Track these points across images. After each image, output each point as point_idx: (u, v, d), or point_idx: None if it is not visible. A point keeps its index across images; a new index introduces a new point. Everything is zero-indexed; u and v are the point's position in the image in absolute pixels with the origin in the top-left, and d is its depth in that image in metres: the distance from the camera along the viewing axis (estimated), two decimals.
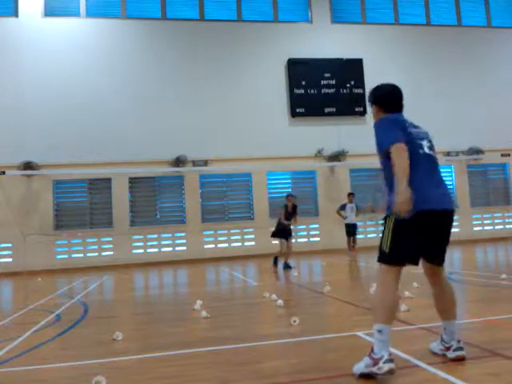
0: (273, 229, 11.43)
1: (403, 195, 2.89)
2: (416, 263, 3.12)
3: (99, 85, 16.29)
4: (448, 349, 3.16)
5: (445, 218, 3.10)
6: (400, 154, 2.95)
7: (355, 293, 6.81)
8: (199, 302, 5.92)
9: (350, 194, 14.49)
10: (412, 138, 3.11)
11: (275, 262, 11.04)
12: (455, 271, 8.58)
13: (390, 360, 2.81)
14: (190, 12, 17.55)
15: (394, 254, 3.03)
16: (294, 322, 4.59)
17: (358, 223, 14.69)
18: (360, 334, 4.06)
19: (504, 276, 6.96)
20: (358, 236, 15.13)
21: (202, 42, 17.24)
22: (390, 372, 2.80)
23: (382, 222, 3.16)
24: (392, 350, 3.45)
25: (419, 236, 3.04)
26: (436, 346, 3.31)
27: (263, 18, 18.01)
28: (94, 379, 3.02)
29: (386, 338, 2.90)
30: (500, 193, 18.85)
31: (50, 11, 16.48)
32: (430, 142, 3.23)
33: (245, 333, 4.50)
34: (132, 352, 3.96)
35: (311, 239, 16.82)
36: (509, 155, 12.29)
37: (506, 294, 5.78)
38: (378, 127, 3.16)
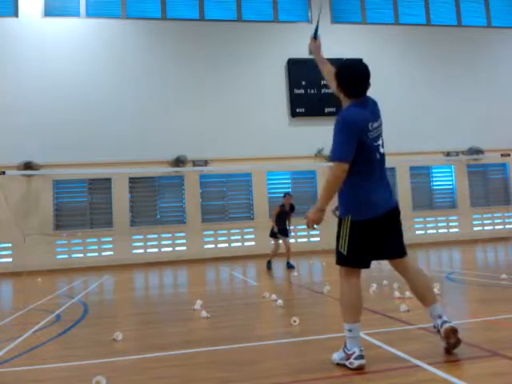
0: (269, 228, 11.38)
1: (316, 214, 3.06)
2: (367, 266, 3.20)
3: (99, 85, 16.28)
4: (439, 331, 3.17)
5: (392, 215, 3.21)
6: (334, 176, 2.99)
7: None
8: (199, 302, 5.92)
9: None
10: (369, 142, 3.08)
11: (269, 265, 11.01)
12: (455, 271, 8.58)
13: (361, 356, 3.03)
14: (190, 12, 17.54)
15: (353, 257, 3.13)
16: (294, 322, 4.59)
17: None
18: (360, 334, 4.05)
19: (504, 276, 6.96)
20: None
21: (201, 42, 17.24)
22: (360, 367, 3.02)
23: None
24: (392, 350, 3.47)
25: (373, 239, 3.14)
26: (436, 329, 3.28)
27: (263, 18, 18.00)
28: (94, 379, 3.02)
29: (356, 334, 3.10)
30: (500, 193, 18.84)
31: (50, 11, 16.47)
32: (381, 136, 3.19)
33: (245, 333, 4.50)
34: (132, 352, 3.96)
35: (311, 239, 16.82)
36: (509, 155, 12.26)
37: (506, 293, 5.78)
38: (334, 131, 3.06)
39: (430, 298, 3.22)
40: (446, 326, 3.13)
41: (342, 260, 3.18)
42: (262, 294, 6.68)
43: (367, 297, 6.04)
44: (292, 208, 10.89)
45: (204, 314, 5.31)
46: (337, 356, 3.19)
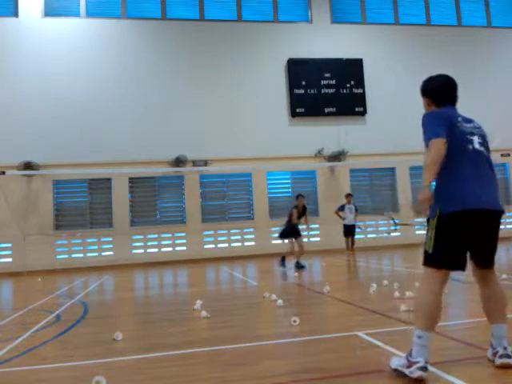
0: (276, 229, 11.44)
1: (423, 194, 2.86)
2: (462, 268, 2.98)
3: (99, 84, 16.28)
4: (495, 354, 2.96)
5: (488, 218, 2.96)
6: (434, 149, 2.86)
7: (355, 293, 6.81)
8: (199, 302, 5.91)
9: (349, 195, 14.70)
10: (461, 133, 3.02)
11: (283, 263, 10.93)
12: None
13: (424, 368, 2.80)
14: (190, 12, 17.54)
15: (439, 256, 2.93)
16: (294, 322, 4.59)
17: (358, 223, 14.80)
18: (360, 333, 4.06)
19: (504, 276, 6.95)
20: (358, 236, 15.22)
21: (201, 42, 17.24)
22: (419, 379, 2.79)
23: (426, 222, 3.05)
24: (392, 349, 3.46)
25: (462, 237, 2.93)
26: (489, 352, 3.07)
27: (263, 18, 17.99)
28: (93, 379, 3.02)
29: (425, 343, 2.86)
30: (500, 193, 18.80)
31: (50, 11, 16.47)
32: (481, 137, 3.10)
33: (245, 333, 4.50)
34: (132, 352, 3.96)
35: (311, 239, 16.81)
36: (509, 155, 12.28)
37: (506, 294, 5.77)
38: (423, 122, 3.06)
39: (497, 318, 2.99)
40: (506, 361, 2.89)
41: (427, 259, 2.99)
42: (261, 294, 6.67)
43: (367, 297, 6.04)
44: (305, 209, 11.04)
45: (204, 313, 5.31)
46: (397, 361, 2.97)
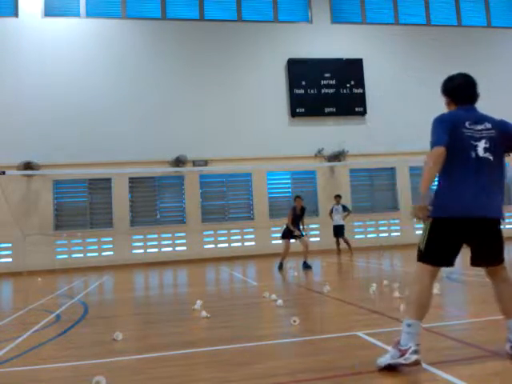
0: (276, 229, 11.36)
1: (421, 201, 3.01)
2: (451, 265, 3.17)
3: (99, 85, 16.28)
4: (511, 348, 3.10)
5: (485, 225, 3.09)
6: (432, 159, 2.98)
7: (355, 293, 6.81)
8: (199, 302, 5.92)
9: (337, 196, 14.93)
10: (465, 139, 3.07)
11: (281, 267, 10.82)
12: (455, 271, 8.58)
13: (416, 351, 2.92)
14: (190, 12, 17.53)
15: (429, 255, 3.11)
16: (294, 322, 4.59)
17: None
18: (360, 333, 4.06)
19: None
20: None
21: (201, 42, 17.24)
22: (416, 362, 2.91)
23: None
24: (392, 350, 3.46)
25: (456, 241, 3.10)
26: (507, 346, 3.19)
27: (263, 18, 17.99)
28: (93, 379, 3.02)
29: (415, 331, 3.00)
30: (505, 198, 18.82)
31: (50, 11, 16.47)
32: (490, 140, 3.12)
33: (245, 333, 4.50)
34: (132, 352, 3.96)
35: (311, 239, 16.79)
36: (509, 155, 12.28)
37: None
38: (432, 126, 3.16)
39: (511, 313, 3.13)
40: None
41: (419, 256, 3.17)
42: (261, 294, 6.67)
43: (367, 297, 6.05)
44: (303, 210, 10.92)
45: (204, 314, 5.31)
46: (386, 358, 3.04)
